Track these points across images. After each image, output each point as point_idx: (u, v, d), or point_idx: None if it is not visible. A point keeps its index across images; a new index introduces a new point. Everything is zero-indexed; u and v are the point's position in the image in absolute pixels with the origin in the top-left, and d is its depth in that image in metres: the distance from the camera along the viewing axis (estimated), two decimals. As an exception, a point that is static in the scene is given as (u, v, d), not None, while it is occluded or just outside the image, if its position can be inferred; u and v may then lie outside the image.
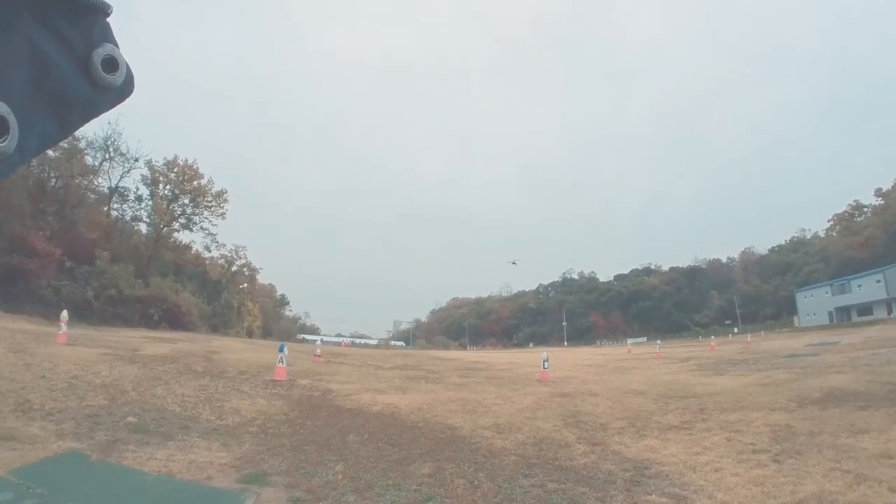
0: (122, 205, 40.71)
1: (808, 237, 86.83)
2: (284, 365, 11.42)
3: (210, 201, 43.67)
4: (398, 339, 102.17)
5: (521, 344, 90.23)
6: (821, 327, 45.46)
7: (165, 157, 41.42)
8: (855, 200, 71.88)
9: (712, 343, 32.51)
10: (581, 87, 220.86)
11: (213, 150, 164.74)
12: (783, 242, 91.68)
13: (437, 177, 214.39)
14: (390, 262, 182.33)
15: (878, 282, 49.16)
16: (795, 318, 60.16)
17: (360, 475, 4.67)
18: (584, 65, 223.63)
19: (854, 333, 27.08)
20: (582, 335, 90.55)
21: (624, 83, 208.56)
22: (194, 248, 47.54)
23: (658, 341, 39.03)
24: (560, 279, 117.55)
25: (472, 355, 39.11)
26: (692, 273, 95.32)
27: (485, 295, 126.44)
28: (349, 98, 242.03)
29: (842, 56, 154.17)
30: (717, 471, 4.73)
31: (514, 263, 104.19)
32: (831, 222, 75.90)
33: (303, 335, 73.54)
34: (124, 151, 36.52)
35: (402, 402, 8.98)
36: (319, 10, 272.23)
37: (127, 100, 0.65)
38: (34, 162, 25.80)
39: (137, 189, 40.67)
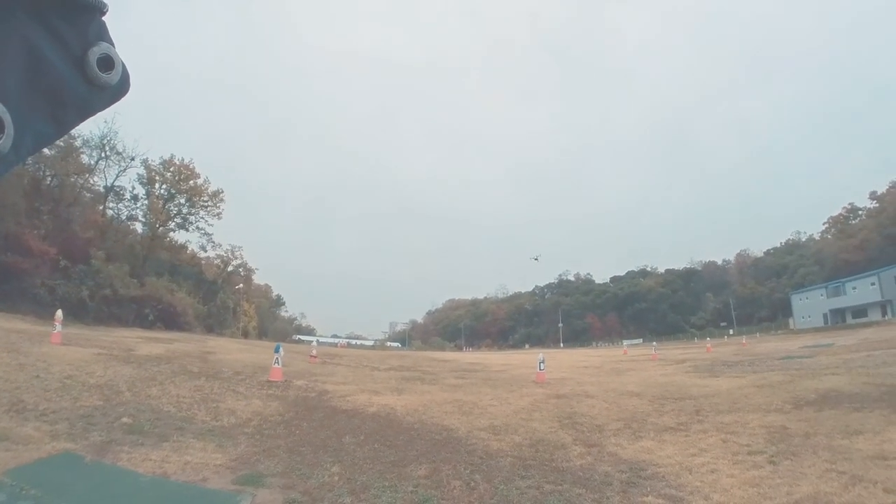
0: (117, 204, 40.42)
1: (804, 240, 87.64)
2: (280, 366, 11.36)
3: (206, 201, 43.44)
4: (394, 341, 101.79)
5: (517, 345, 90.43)
6: (816, 329, 45.77)
7: (161, 157, 41.25)
8: (850, 203, 72.81)
9: (708, 345, 32.66)
10: (576, 89, 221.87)
11: (209, 149, 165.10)
12: (778, 245, 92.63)
13: (432, 176, 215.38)
14: (386, 263, 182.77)
15: (873, 284, 49.54)
16: (790, 321, 60.62)
17: (357, 477, 4.66)
18: (578, 67, 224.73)
19: (849, 335, 27.20)
20: (578, 337, 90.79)
21: (619, 86, 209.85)
22: (190, 248, 47.19)
23: (654, 343, 39.13)
24: (556, 281, 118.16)
25: (468, 356, 39.13)
26: (688, 275, 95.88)
27: (481, 296, 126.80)
28: (348, 98, 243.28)
29: (836, 61, 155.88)
30: (712, 472, 4.75)
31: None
32: (826, 225, 76.77)
33: (298, 336, 73.10)
34: (120, 150, 36.28)
35: (399, 404, 8.96)
36: (316, 8, 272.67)
37: (123, 98, 0.65)
38: (30, 160, 25.61)
39: (133, 188, 40.40)
